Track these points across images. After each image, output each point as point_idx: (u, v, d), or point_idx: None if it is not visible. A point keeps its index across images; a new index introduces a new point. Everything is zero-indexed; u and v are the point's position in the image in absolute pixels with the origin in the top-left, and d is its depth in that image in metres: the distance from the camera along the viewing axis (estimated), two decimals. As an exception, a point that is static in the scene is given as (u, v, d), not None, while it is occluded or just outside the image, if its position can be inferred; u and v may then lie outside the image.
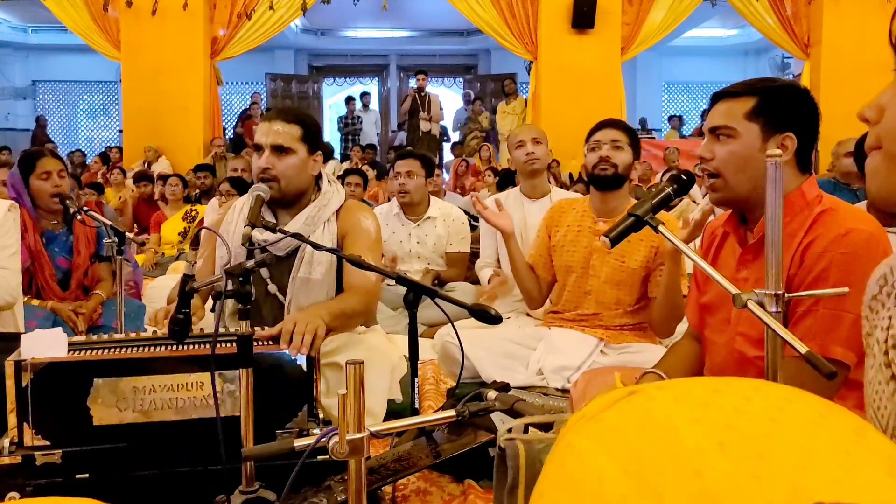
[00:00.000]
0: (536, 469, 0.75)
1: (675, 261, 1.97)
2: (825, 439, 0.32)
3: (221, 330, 1.55)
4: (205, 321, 2.07)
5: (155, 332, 1.68)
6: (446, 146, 10.62)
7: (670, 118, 12.86)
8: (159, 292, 3.38)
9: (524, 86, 10.12)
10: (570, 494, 0.34)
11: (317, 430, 1.42)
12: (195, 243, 4.66)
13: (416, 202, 3.46)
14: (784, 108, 1.41)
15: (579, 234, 2.35)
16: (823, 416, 0.34)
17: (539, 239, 2.48)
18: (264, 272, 2.01)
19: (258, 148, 2.01)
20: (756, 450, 0.31)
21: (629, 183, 2.36)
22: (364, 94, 11.63)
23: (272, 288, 2.02)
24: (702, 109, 14.61)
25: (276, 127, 2.00)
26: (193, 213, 5.25)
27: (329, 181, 2.13)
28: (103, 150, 10.28)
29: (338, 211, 2.08)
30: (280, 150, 1.98)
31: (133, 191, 6.50)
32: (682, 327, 2.22)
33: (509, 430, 0.79)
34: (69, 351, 1.47)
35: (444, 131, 10.77)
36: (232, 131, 10.46)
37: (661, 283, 2.11)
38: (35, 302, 2.62)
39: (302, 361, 1.56)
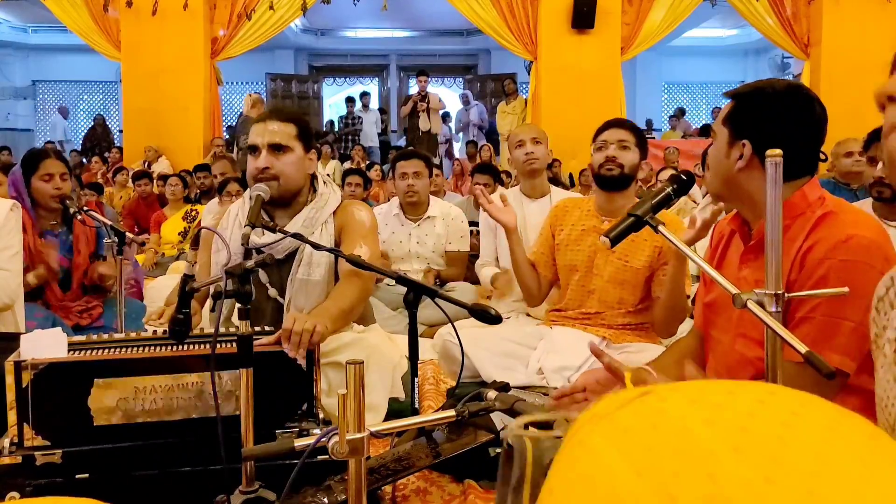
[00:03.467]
0: (544, 466, 0.75)
1: (679, 261, 1.96)
2: (840, 445, 0.32)
3: (222, 330, 1.55)
4: (203, 324, 2.07)
5: (155, 331, 1.67)
6: (451, 146, 10.65)
7: (671, 117, 12.82)
8: (159, 292, 3.38)
9: (524, 86, 10.11)
10: (581, 493, 0.34)
11: (317, 430, 1.42)
12: (195, 243, 4.66)
13: (422, 202, 3.50)
14: (746, 115, 1.40)
15: (583, 234, 2.35)
16: (838, 421, 0.34)
17: (542, 237, 2.48)
18: (263, 276, 2.00)
19: (253, 149, 2.00)
20: (770, 454, 0.31)
21: (635, 183, 2.35)
22: (364, 94, 11.61)
23: (272, 292, 2.01)
24: (701, 109, 14.65)
25: (272, 126, 1.99)
26: (193, 213, 5.25)
27: (325, 182, 2.12)
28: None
29: (334, 212, 2.07)
30: (277, 148, 1.98)
31: (134, 190, 6.48)
32: (685, 327, 2.23)
33: (521, 427, 0.79)
34: (69, 351, 1.47)
35: (450, 137, 10.78)
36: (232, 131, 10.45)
37: (664, 283, 2.10)
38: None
39: (302, 361, 1.56)
